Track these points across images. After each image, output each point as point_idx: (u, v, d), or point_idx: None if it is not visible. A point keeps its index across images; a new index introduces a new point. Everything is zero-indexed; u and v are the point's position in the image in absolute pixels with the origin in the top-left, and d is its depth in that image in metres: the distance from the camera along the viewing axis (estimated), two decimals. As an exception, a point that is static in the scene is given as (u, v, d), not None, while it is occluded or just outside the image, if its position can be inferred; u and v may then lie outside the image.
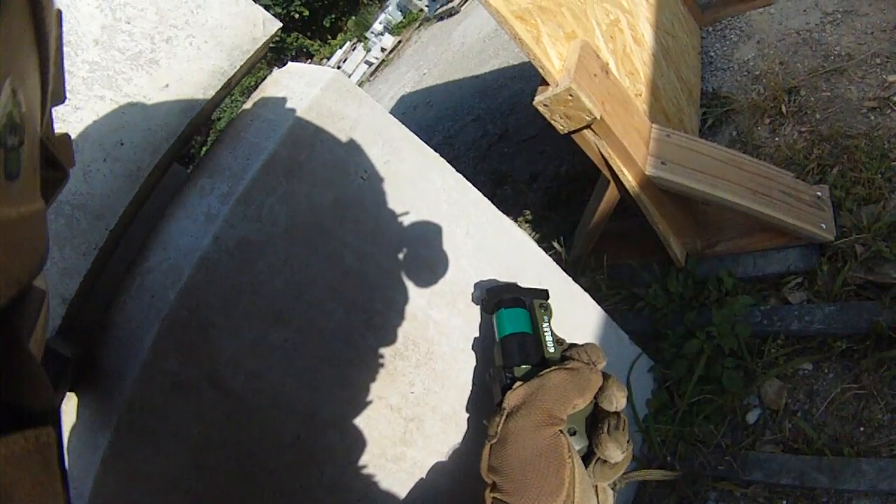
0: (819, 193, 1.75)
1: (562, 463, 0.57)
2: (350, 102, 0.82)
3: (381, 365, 0.80)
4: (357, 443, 0.77)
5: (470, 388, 0.92)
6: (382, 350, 0.80)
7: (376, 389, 0.79)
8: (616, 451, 0.61)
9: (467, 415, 0.91)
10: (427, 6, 8.82)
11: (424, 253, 0.87)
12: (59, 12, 0.30)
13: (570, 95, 1.40)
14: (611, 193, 1.73)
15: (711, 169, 1.67)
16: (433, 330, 0.87)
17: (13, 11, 0.23)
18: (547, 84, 1.45)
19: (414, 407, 0.84)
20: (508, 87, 4.30)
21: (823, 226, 1.65)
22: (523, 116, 3.73)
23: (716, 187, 1.61)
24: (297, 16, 16.41)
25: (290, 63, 0.95)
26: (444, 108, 4.90)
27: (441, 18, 8.13)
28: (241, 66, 0.83)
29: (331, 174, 0.77)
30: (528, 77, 4.14)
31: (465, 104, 4.56)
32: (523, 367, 0.67)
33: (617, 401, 0.63)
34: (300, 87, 0.83)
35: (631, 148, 1.57)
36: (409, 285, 0.84)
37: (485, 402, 0.92)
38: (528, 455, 0.57)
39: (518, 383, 0.64)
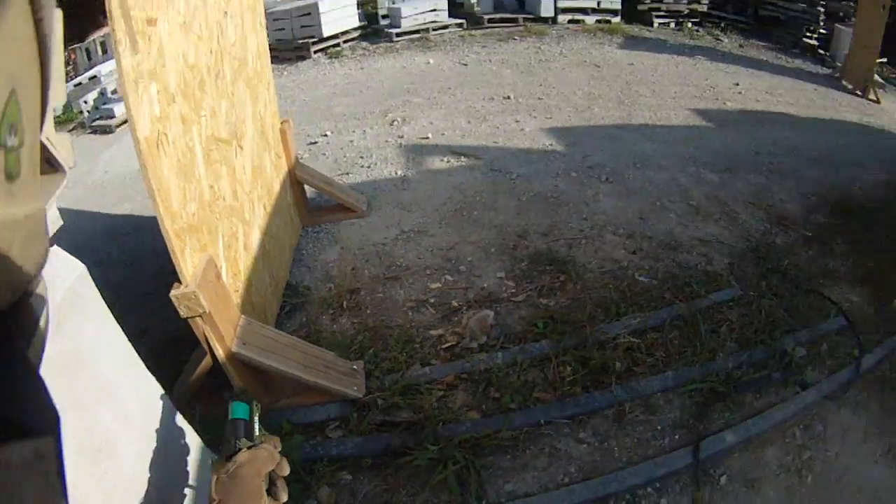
0: (355, 367, 2.73)
1: (262, 497, 0.92)
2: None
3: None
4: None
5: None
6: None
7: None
8: (283, 496, 0.98)
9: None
10: (89, 112, 7.39)
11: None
12: (60, 12, 0.28)
13: (193, 296, 2.02)
14: (206, 361, 2.32)
15: (278, 350, 2.45)
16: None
17: (13, 11, 0.23)
18: (181, 283, 2.05)
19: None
20: (134, 237, 4.33)
21: (355, 388, 2.60)
22: (142, 271, 3.80)
23: (280, 363, 2.40)
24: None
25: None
26: (70, 244, 4.27)
27: (95, 132, 7.08)
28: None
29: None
30: (152, 230, 3.39)
31: (92, 243, 4.30)
32: (244, 440, 0.98)
33: (284, 468, 0.99)
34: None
35: (224, 332, 2.21)
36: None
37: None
38: (247, 490, 0.92)
39: (243, 450, 0.96)
